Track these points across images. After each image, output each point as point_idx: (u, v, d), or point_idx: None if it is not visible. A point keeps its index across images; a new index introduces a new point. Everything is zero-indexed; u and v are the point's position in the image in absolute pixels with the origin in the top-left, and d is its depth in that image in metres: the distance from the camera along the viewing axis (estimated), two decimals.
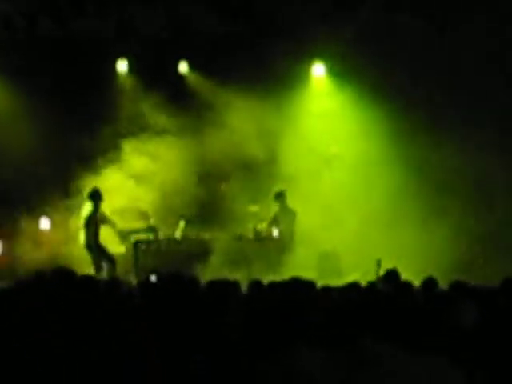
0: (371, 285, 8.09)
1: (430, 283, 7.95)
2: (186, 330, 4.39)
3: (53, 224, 16.69)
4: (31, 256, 15.42)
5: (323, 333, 3.41)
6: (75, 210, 15.87)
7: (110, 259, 15.12)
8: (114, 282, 8.65)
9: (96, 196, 15.12)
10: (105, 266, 15.01)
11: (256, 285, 6.66)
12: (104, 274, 14.70)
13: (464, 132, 16.17)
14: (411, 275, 8.40)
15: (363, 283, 8.30)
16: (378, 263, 13.25)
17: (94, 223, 15.03)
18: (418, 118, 16.69)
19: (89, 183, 16.11)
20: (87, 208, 15.09)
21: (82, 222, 15.09)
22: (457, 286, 6.88)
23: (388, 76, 16.77)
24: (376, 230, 16.27)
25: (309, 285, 5.76)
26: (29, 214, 16.48)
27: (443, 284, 8.53)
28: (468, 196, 16.86)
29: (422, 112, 16.80)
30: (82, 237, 15.11)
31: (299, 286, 5.72)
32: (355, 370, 1.10)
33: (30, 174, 16.61)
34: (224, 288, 4.81)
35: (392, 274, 7.94)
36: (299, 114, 18.13)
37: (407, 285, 7.46)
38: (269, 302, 3.45)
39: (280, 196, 16.01)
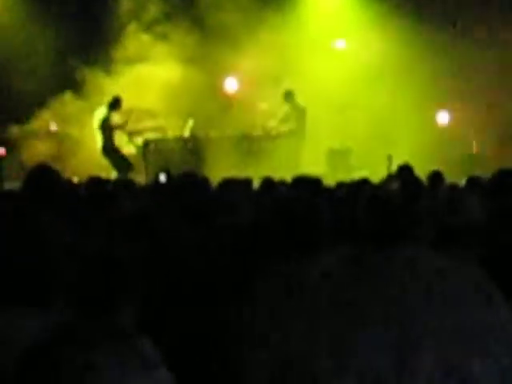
0: (383, 181, 8.09)
1: (435, 178, 7.96)
2: (196, 230, 4.41)
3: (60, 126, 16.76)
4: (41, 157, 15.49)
5: (334, 234, 3.42)
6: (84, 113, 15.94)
7: (127, 163, 15.07)
8: (124, 182, 8.69)
9: (116, 104, 14.96)
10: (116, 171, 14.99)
11: (267, 182, 6.65)
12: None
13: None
14: (422, 170, 8.41)
15: (373, 179, 8.33)
16: (389, 159, 13.28)
17: (109, 127, 14.91)
18: (430, 18, 16.44)
19: (93, 82, 16.21)
20: (102, 112, 14.92)
21: (96, 125, 15.00)
22: (470, 182, 6.88)
23: None
24: (386, 126, 16.22)
25: (317, 182, 5.73)
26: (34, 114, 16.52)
27: (454, 178, 8.54)
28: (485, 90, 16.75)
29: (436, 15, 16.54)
30: (98, 142, 15.00)
31: (308, 183, 5.69)
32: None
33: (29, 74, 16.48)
34: (236, 186, 4.81)
35: (405, 169, 7.91)
36: (302, 13, 17.89)
37: (418, 180, 7.45)
38: (280, 201, 3.44)
39: (289, 95, 15.84)
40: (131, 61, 16.65)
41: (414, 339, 1.07)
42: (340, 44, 18.27)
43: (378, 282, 1.06)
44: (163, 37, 17.00)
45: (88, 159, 15.49)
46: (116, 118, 15.05)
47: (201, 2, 17.44)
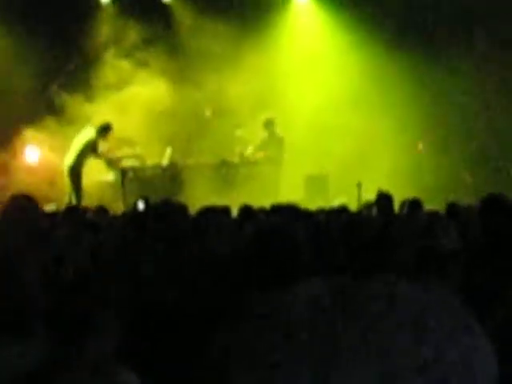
0: (360, 208, 8.12)
1: (414, 205, 7.99)
2: (174, 256, 4.40)
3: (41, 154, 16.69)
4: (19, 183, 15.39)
5: (316, 263, 3.42)
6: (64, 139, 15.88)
7: (81, 192, 15.04)
8: (101, 210, 8.67)
9: (106, 131, 14.96)
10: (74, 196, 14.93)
11: (246, 210, 6.65)
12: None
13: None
14: (400, 196, 8.45)
15: (351, 206, 8.35)
16: (359, 186, 13.26)
17: (92, 151, 14.88)
18: (411, 41, 16.62)
19: (73, 107, 16.19)
20: (91, 134, 14.87)
21: (81, 146, 14.89)
22: (449, 208, 6.91)
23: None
24: (365, 152, 16.24)
25: (295, 209, 5.74)
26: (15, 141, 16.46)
27: (432, 204, 8.59)
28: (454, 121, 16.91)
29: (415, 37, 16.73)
30: (70, 160, 14.94)
31: (286, 210, 5.70)
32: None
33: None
34: (215, 214, 4.81)
35: (383, 197, 7.92)
36: (281, 39, 17.96)
37: (394, 208, 7.48)
38: (257, 229, 3.44)
39: (269, 123, 15.91)
40: (111, 87, 16.61)
41: (394, 370, 1.07)
42: (319, 69, 18.31)
43: (356, 309, 1.07)
44: (143, 63, 17.00)
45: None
46: (102, 146, 15.03)
47: (181, 28, 17.51)
